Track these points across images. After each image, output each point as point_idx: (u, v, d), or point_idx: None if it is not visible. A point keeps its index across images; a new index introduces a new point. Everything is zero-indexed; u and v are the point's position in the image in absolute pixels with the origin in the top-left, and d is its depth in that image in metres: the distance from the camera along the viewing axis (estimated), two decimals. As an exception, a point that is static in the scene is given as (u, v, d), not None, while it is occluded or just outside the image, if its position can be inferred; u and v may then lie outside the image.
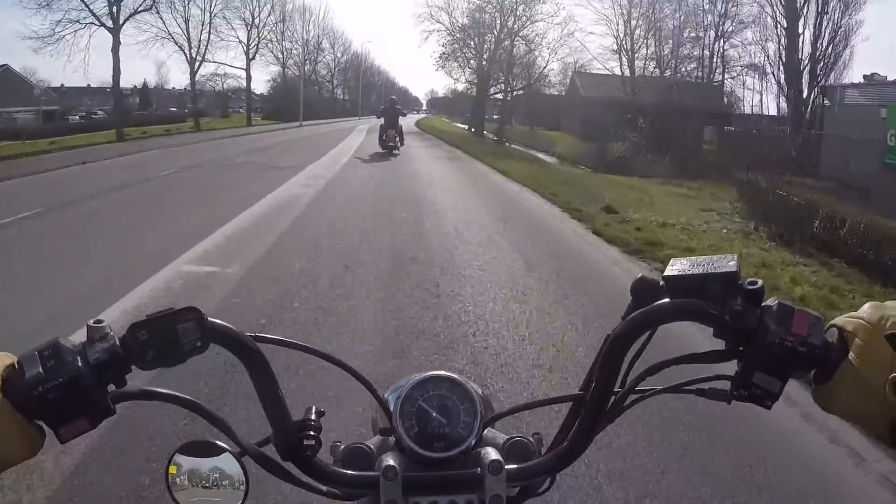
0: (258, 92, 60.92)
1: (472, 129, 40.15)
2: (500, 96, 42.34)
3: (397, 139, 18.79)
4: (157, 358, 0.58)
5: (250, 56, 45.58)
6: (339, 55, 70.92)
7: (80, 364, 0.56)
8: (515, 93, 41.47)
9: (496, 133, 37.57)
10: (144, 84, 47.96)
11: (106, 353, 0.57)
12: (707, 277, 0.61)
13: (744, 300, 0.60)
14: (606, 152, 24.20)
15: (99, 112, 46.56)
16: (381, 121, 19.62)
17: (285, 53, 55.65)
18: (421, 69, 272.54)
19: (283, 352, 0.69)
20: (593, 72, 38.60)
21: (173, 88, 58.13)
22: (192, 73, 39.79)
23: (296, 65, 56.59)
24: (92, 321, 0.59)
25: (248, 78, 46.47)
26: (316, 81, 64.03)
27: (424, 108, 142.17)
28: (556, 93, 47.09)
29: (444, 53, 37.71)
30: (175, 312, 0.58)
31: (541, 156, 26.81)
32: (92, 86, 55.17)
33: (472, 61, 38.96)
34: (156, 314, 0.58)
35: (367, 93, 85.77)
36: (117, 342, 0.58)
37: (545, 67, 37.86)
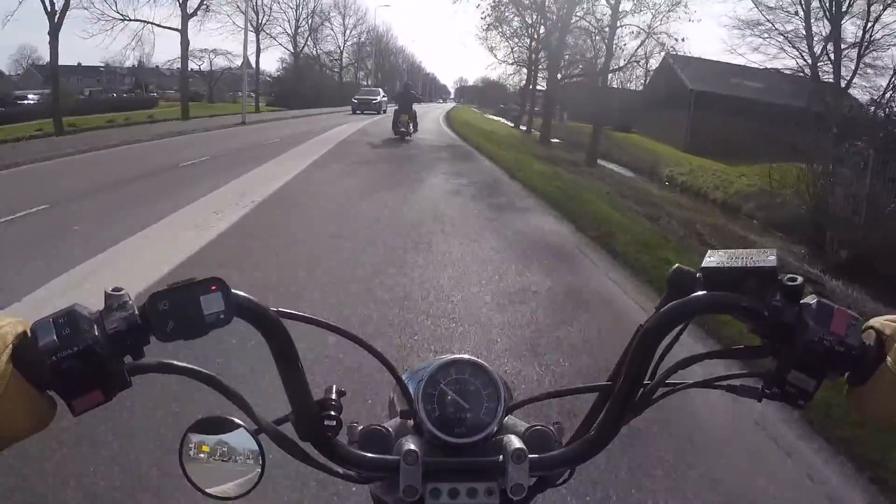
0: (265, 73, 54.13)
1: (520, 128, 35.15)
2: (541, 85, 35.53)
3: (410, 125, 18.57)
4: (178, 329, 0.57)
5: (259, 24, 40.73)
6: (349, 25, 61.23)
7: (96, 333, 0.55)
8: (585, 78, 31.02)
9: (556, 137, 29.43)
10: (140, 63, 41.47)
11: (124, 322, 0.56)
12: (746, 271, 0.60)
13: (783, 296, 0.59)
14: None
15: (86, 92, 41.61)
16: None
17: (291, 24, 49.81)
18: (450, 55, 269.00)
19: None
20: (686, 55, 27.61)
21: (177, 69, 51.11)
22: (184, 48, 30.44)
23: (297, 38, 50.57)
24: (111, 289, 0.58)
25: (245, 59, 37.98)
26: (319, 61, 56.58)
27: (452, 96, 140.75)
28: (618, 85, 38.49)
29: (491, 23, 29.98)
30: (198, 283, 0.57)
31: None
32: (83, 64, 52.28)
33: (526, 38, 32.22)
34: (178, 283, 0.57)
35: (389, 77, 79.90)
36: (136, 312, 0.57)
37: (647, 38, 25.16)
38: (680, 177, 22.37)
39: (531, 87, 37.57)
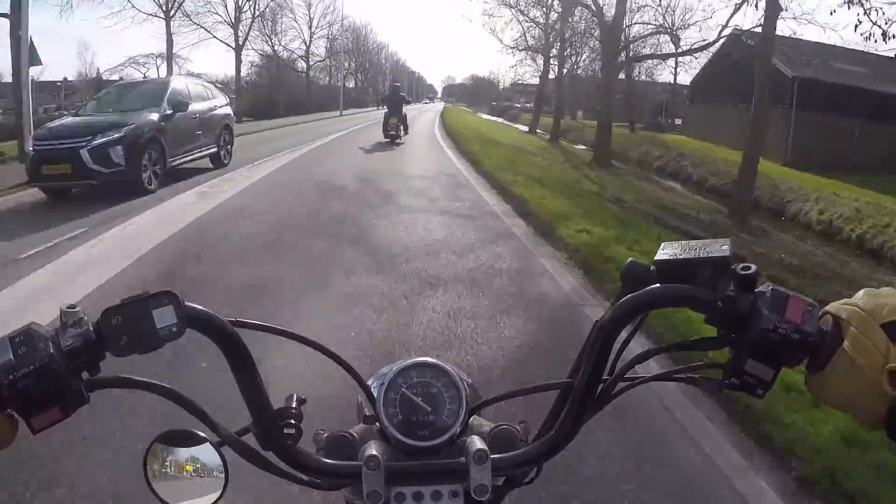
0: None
1: (536, 133, 29.67)
2: (535, 80, 31.37)
3: (400, 127, 18.50)
4: (132, 344, 0.58)
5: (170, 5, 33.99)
6: (315, 15, 53.30)
7: (52, 351, 0.56)
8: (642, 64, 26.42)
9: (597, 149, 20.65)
10: (98, 76, 36.93)
11: (79, 338, 0.57)
12: (699, 262, 0.60)
13: (737, 285, 0.59)
14: None
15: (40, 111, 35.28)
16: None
17: (230, 10, 39.51)
18: (436, 53, 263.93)
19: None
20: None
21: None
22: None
23: (239, 29, 40.28)
24: (66, 306, 0.59)
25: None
26: (278, 59, 47.30)
27: (439, 96, 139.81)
28: (645, 78, 33.35)
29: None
30: (151, 296, 0.58)
31: None
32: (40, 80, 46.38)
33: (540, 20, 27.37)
34: (130, 298, 0.58)
35: (373, 79, 74.58)
36: (91, 328, 0.58)
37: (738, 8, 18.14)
38: (849, 227, 13.98)
39: (554, 77, 31.38)
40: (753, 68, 14.24)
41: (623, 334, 0.65)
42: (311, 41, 50.49)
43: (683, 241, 0.63)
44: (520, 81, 40.96)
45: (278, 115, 35.58)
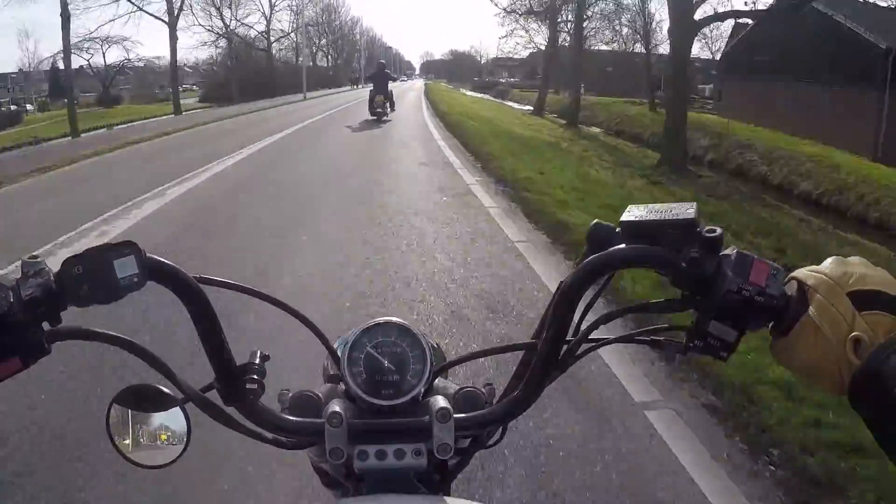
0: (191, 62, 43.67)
1: (543, 115, 25.18)
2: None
3: (387, 104, 18.45)
4: (92, 293, 0.57)
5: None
6: None
7: (11, 300, 0.55)
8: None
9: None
10: (53, 66, 34.98)
11: (39, 288, 0.56)
12: (665, 223, 0.61)
13: (702, 248, 0.59)
14: None
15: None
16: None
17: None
18: (413, 28, 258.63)
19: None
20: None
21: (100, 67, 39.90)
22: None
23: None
24: (27, 256, 0.59)
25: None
26: (230, 32, 41.71)
27: (417, 72, 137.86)
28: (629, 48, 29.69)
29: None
30: (111, 246, 0.58)
31: None
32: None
33: None
34: (91, 249, 0.58)
35: (350, 56, 70.81)
36: (52, 277, 0.57)
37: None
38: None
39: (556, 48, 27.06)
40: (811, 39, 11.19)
41: (588, 296, 0.66)
42: (271, 14, 45.61)
43: (651, 205, 0.64)
44: (510, 55, 37.95)
45: (233, 102, 31.70)
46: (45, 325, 0.58)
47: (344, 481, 0.73)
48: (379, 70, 18.81)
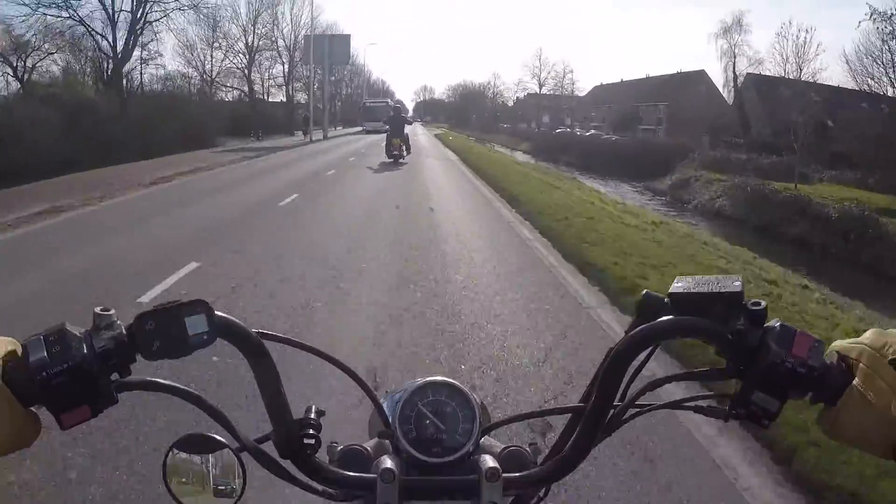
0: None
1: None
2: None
3: (403, 148, 19.57)
4: (163, 349, 0.60)
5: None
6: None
7: (85, 351, 0.58)
8: None
9: None
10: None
11: (112, 341, 0.59)
12: (713, 296, 0.64)
13: (747, 320, 0.62)
14: None
15: None
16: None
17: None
18: (406, 56, 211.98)
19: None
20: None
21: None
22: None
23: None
24: (99, 308, 0.61)
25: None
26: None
27: (411, 114, 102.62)
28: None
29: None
30: (184, 304, 0.61)
31: None
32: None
33: None
34: (164, 305, 0.61)
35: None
36: (123, 331, 0.60)
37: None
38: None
39: None
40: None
41: (636, 362, 0.68)
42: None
43: (698, 277, 0.67)
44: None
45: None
46: (114, 376, 0.61)
47: None
48: (396, 114, 19.93)
